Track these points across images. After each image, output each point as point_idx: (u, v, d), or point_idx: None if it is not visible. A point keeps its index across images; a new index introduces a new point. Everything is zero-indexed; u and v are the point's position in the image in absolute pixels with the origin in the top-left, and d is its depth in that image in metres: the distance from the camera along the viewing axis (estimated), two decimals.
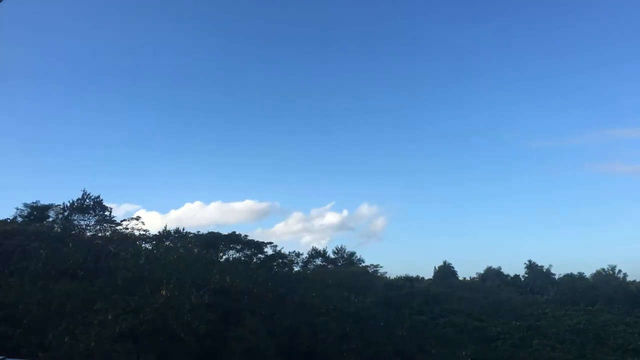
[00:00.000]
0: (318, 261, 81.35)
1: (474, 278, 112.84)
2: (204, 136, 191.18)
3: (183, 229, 67.48)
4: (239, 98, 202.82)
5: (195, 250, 41.72)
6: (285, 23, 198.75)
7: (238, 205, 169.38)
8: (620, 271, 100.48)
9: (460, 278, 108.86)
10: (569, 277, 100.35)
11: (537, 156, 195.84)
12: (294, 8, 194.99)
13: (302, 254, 79.56)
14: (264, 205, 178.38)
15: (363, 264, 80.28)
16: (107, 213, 58.08)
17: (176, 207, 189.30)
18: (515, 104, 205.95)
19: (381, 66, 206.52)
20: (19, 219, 53.45)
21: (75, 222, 52.00)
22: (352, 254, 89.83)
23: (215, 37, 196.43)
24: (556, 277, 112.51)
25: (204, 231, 66.46)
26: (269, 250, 69.66)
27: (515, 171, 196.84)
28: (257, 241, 68.70)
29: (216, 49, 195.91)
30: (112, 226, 51.97)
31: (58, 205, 57.99)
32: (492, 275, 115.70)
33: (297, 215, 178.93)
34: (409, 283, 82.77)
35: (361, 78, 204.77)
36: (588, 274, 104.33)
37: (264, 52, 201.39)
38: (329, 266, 74.36)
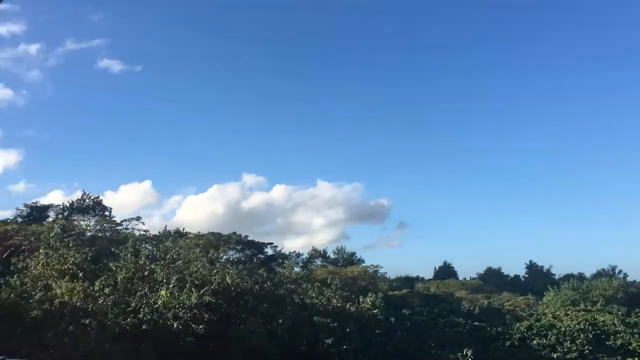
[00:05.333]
0: (318, 261, 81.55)
1: (474, 278, 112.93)
2: None
3: (183, 229, 67.77)
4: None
5: (197, 250, 41.76)
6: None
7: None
8: (620, 271, 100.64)
9: (460, 278, 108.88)
10: (569, 277, 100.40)
11: (538, 156, 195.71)
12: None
13: (302, 254, 79.88)
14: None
15: (363, 264, 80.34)
16: (107, 213, 58.32)
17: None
18: (515, 102, 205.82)
19: (382, 63, 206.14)
20: (19, 219, 53.58)
21: (75, 222, 52.08)
22: (353, 254, 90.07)
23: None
24: (556, 277, 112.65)
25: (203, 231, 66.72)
26: (269, 251, 70.00)
27: (515, 171, 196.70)
28: (258, 241, 69.04)
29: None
30: (112, 226, 52.07)
31: (58, 205, 58.24)
32: (492, 275, 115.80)
33: None
34: (409, 283, 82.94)
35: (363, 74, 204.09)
36: (588, 274, 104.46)
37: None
38: (329, 266, 74.47)
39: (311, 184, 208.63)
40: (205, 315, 24.87)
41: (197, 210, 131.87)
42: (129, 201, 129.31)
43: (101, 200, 60.34)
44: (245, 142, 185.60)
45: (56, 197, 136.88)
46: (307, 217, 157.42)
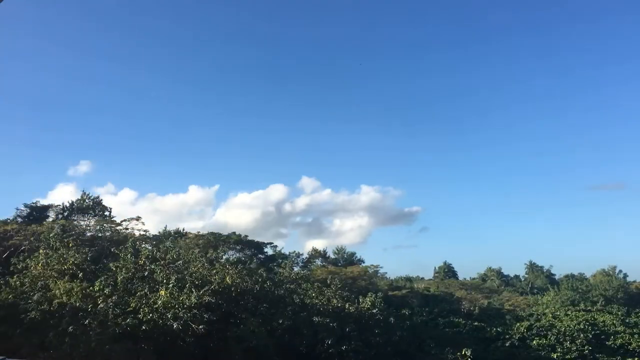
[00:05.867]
0: (318, 261, 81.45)
1: (474, 278, 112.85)
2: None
3: (183, 229, 67.72)
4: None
5: (196, 250, 41.69)
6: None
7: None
8: (620, 271, 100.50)
9: (461, 278, 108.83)
10: (569, 277, 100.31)
11: (538, 156, 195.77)
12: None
13: (302, 254, 79.85)
14: None
15: (363, 264, 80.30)
16: (107, 213, 58.21)
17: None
18: (515, 104, 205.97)
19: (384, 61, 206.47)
20: (19, 219, 53.47)
21: (75, 222, 51.97)
22: (353, 254, 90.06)
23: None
24: (556, 277, 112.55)
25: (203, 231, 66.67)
26: (269, 251, 69.95)
27: (515, 171, 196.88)
28: (258, 241, 68.94)
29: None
30: (112, 226, 51.91)
31: (58, 205, 58.12)
32: (492, 276, 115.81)
33: None
34: (408, 283, 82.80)
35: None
36: (588, 274, 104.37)
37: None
38: (329, 266, 74.37)
39: (357, 188, 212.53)
40: (205, 315, 24.86)
41: (235, 211, 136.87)
42: (192, 201, 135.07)
43: (101, 200, 60.28)
44: (306, 144, 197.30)
45: (128, 195, 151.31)
46: (341, 219, 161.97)
